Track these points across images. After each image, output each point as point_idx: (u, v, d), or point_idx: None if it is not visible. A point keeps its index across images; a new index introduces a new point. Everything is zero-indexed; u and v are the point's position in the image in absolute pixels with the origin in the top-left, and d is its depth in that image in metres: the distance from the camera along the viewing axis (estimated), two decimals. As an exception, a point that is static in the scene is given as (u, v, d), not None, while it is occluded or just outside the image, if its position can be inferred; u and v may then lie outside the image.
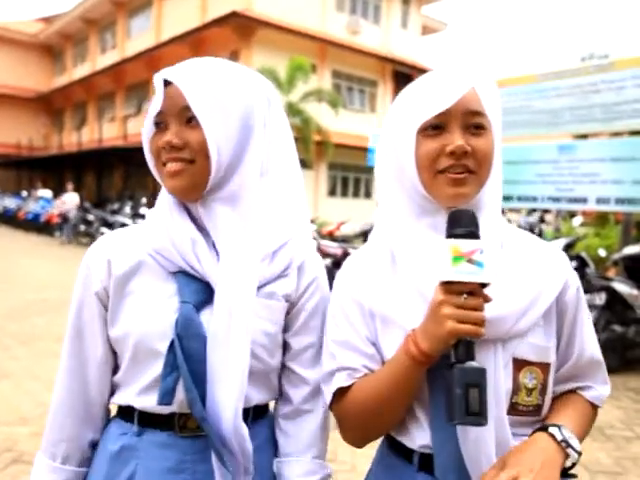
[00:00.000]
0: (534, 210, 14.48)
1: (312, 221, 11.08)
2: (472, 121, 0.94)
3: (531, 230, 7.30)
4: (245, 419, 0.99)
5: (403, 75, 24.31)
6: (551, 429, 0.91)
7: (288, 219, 1.08)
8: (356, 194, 23.26)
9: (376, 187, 1.06)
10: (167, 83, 0.98)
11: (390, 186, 1.02)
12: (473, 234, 0.85)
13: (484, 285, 0.85)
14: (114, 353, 1.07)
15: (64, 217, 16.08)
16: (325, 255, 8.24)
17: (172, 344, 0.96)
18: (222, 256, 0.99)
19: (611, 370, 5.25)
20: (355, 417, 1.00)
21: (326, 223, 13.18)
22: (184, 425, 1.01)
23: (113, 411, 1.13)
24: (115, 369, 1.08)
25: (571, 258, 6.39)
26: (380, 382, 0.95)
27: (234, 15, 18.40)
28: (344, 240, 9.24)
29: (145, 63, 22.36)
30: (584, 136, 6.90)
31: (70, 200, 16.74)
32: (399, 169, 1.00)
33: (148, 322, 0.99)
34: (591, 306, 5.08)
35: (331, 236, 9.91)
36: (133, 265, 1.02)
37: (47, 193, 19.93)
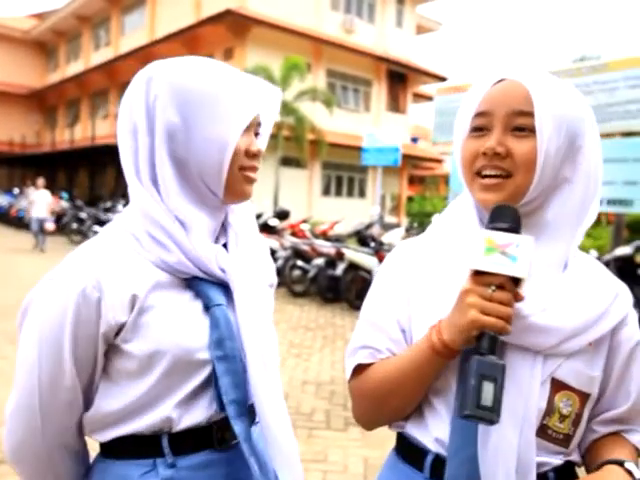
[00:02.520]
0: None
1: (305, 220, 11.07)
2: (516, 122, 0.89)
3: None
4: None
5: (398, 74, 24.34)
6: (627, 464, 0.86)
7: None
8: (350, 194, 23.25)
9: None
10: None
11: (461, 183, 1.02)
12: (513, 229, 0.83)
13: (517, 282, 0.82)
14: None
15: (40, 222, 13.06)
16: (319, 255, 8.24)
17: (216, 348, 0.95)
18: (235, 256, 1.03)
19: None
20: (368, 395, 0.99)
21: (320, 222, 13.17)
22: (222, 437, 0.98)
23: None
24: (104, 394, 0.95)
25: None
26: (398, 366, 0.94)
27: (228, 13, 18.34)
28: (338, 240, 9.22)
29: (139, 60, 22.24)
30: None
31: (40, 199, 13.54)
32: (458, 169, 1.01)
33: (184, 333, 0.94)
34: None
35: (324, 236, 9.88)
36: (155, 282, 0.94)
37: (46, 191, 19.81)
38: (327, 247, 8.25)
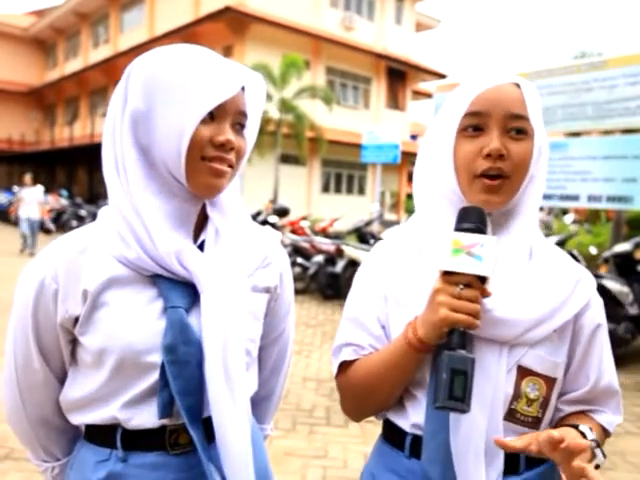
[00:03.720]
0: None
1: (305, 218, 11.07)
2: (513, 125, 0.93)
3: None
4: None
5: (397, 72, 24.31)
6: (582, 427, 0.91)
7: (246, 210, 1.09)
8: (349, 191, 23.24)
9: (413, 185, 1.08)
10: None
11: (428, 184, 1.03)
12: (479, 230, 0.87)
13: (483, 280, 0.87)
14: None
15: (30, 222, 12.00)
16: (318, 252, 8.24)
17: (167, 352, 0.89)
18: (208, 253, 0.96)
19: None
20: (354, 390, 1.05)
21: (319, 220, 13.17)
22: (175, 441, 0.95)
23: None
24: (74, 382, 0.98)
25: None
26: (379, 362, 0.99)
27: (228, 10, 18.30)
28: (337, 237, 9.22)
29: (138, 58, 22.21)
30: (576, 134, 6.93)
31: (30, 197, 12.25)
32: (438, 169, 1.00)
33: (131, 334, 0.91)
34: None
35: (324, 233, 9.89)
36: (105, 278, 0.92)
37: (38, 188, 19.80)
38: (327, 244, 8.25)
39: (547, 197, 6.29)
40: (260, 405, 1.20)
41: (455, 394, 0.82)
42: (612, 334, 5.08)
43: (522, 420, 0.96)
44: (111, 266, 0.92)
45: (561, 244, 6.50)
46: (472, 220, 0.88)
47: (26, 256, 11.64)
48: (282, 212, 10.54)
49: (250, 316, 1.02)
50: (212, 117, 0.91)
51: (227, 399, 0.91)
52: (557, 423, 1.02)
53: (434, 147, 1.01)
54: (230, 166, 0.95)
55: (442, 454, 0.93)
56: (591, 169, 5.85)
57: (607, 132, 6.45)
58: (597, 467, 0.87)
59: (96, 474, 0.95)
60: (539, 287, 0.96)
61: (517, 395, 0.95)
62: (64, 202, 17.75)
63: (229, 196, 1.02)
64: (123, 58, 23.60)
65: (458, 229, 0.89)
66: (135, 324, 0.91)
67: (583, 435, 0.89)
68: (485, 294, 0.88)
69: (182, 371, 0.90)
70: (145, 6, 24.77)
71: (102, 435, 0.96)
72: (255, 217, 9.86)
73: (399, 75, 24.56)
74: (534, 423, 0.97)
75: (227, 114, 0.93)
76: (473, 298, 0.86)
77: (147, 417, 0.93)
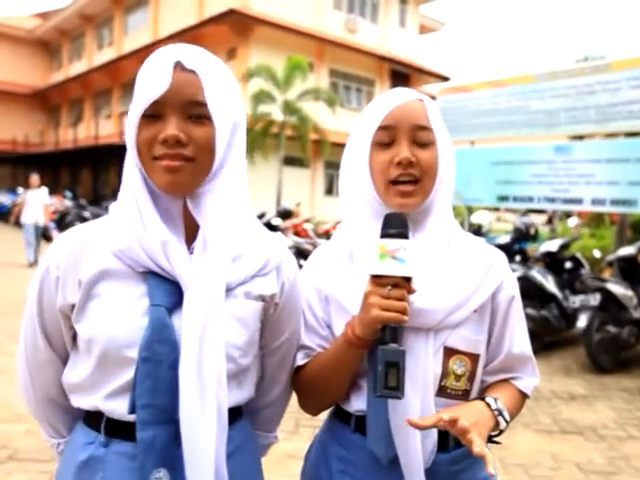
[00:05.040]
0: (530, 210, 14.53)
1: (308, 220, 11.08)
2: (419, 135, 1.07)
3: (526, 230, 7.32)
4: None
5: (400, 74, 24.33)
6: (487, 399, 1.04)
7: (253, 217, 1.07)
8: (352, 193, 23.17)
9: (339, 193, 1.17)
10: (176, 67, 0.92)
11: (352, 192, 1.14)
12: (402, 234, 0.98)
13: (409, 279, 0.97)
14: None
15: (36, 227, 10.76)
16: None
17: (142, 349, 0.91)
18: (196, 254, 0.95)
19: (605, 371, 5.26)
20: (308, 388, 1.16)
21: (323, 222, 13.18)
22: None
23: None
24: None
25: (566, 259, 6.42)
26: (327, 360, 1.10)
27: (232, 13, 18.36)
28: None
29: (142, 60, 21.26)
30: (580, 137, 6.93)
31: (34, 200, 10.86)
32: (357, 177, 1.12)
33: (115, 327, 0.93)
34: (586, 307, 5.11)
35: (327, 235, 9.90)
36: (99, 269, 0.95)
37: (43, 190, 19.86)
38: (330, 247, 8.23)
39: (550, 200, 6.29)
40: (261, 413, 1.19)
41: (390, 384, 0.92)
42: (616, 338, 5.08)
43: (452, 394, 1.08)
44: (106, 259, 0.96)
45: (564, 247, 6.49)
46: (395, 226, 0.98)
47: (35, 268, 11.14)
48: (285, 214, 10.56)
49: (236, 322, 0.99)
50: (156, 116, 0.92)
51: (196, 401, 0.90)
52: (482, 392, 1.14)
53: (353, 159, 1.13)
54: (188, 160, 0.92)
55: (384, 433, 1.04)
56: (595, 172, 5.84)
57: (611, 135, 6.45)
58: (500, 432, 1.03)
59: (81, 454, 1.00)
60: (456, 274, 1.08)
61: (445, 373, 1.07)
62: (68, 203, 17.80)
63: (217, 198, 0.97)
64: (127, 60, 23.68)
65: (384, 235, 0.98)
66: (120, 318, 0.94)
67: (488, 405, 1.02)
68: (411, 291, 0.98)
69: (154, 369, 0.91)
70: (149, 9, 24.87)
71: (93, 419, 1.00)
72: (259, 219, 9.86)
73: (402, 77, 24.57)
74: (464, 395, 1.09)
75: (171, 109, 0.92)
76: (400, 297, 0.96)
77: (125, 410, 0.94)
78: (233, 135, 1.00)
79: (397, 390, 0.92)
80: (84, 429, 1.02)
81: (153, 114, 0.92)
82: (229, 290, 0.98)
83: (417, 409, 1.02)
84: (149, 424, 0.91)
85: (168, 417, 0.92)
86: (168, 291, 0.94)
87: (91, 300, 0.96)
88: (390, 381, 0.92)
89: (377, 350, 0.95)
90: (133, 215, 0.95)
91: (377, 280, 0.97)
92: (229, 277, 0.97)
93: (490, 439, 1.03)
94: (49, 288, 0.99)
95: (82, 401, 1.00)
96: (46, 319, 1.01)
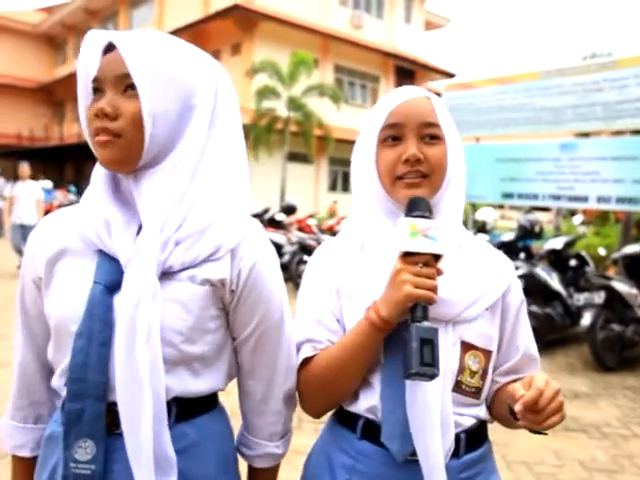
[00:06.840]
0: (534, 208, 14.49)
1: (312, 216, 11.07)
2: (426, 132, 1.06)
3: (531, 227, 7.30)
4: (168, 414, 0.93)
5: (405, 70, 24.26)
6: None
7: (220, 203, 1.00)
8: (356, 189, 23.15)
9: (352, 189, 1.18)
10: (108, 49, 0.96)
11: (361, 188, 1.14)
12: (429, 216, 0.99)
13: (437, 258, 0.97)
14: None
15: (23, 229, 8.70)
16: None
17: (81, 325, 0.92)
18: (140, 236, 0.93)
19: (609, 369, 5.24)
20: (316, 384, 1.10)
21: (326, 218, 13.17)
22: (112, 421, 0.92)
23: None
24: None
25: (571, 256, 6.40)
26: (341, 349, 1.05)
27: (236, 8, 18.34)
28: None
29: None
30: (586, 134, 6.90)
31: (25, 195, 8.98)
32: (365, 175, 1.12)
33: (64, 303, 0.96)
34: (590, 305, 5.10)
35: (331, 231, 9.90)
36: (60, 247, 1.00)
37: (47, 184, 19.91)
38: (334, 243, 8.22)
39: (556, 198, 6.26)
40: (254, 421, 1.14)
41: (426, 360, 0.91)
42: (620, 336, 5.07)
43: (466, 391, 1.07)
44: (67, 238, 1.00)
45: (569, 245, 6.47)
46: (421, 208, 0.99)
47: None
48: (289, 210, 10.56)
49: (178, 306, 0.95)
50: (98, 91, 0.96)
51: (129, 381, 0.88)
52: (493, 394, 1.14)
53: (361, 156, 1.13)
54: (116, 135, 0.93)
55: (400, 430, 1.01)
56: (601, 170, 5.81)
57: (617, 133, 6.41)
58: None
59: (47, 430, 1.03)
60: (470, 271, 1.09)
61: (462, 368, 1.06)
62: (72, 198, 17.85)
63: (159, 180, 0.96)
64: (132, 55, 23.66)
65: (410, 216, 0.99)
66: (69, 294, 0.96)
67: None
68: (440, 272, 0.98)
69: (86, 345, 0.91)
70: (154, 4, 24.85)
71: (58, 396, 1.03)
72: (262, 214, 9.87)
73: (408, 74, 24.50)
74: (476, 393, 1.08)
75: (105, 85, 0.95)
76: (431, 275, 0.96)
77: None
78: (184, 118, 0.97)
79: (433, 366, 0.91)
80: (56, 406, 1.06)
81: (95, 89, 0.97)
82: (172, 273, 0.95)
83: (437, 404, 1.00)
84: (78, 397, 0.91)
85: (99, 393, 0.91)
86: (111, 269, 0.95)
87: (52, 277, 1.00)
88: (426, 357, 0.91)
89: (410, 327, 0.93)
90: (91, 194, 1.01)
91: (408, 258, 0.96)
92: (171, 260, 0.94)
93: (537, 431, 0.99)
94: (28, 262, 1.05)
95: (53, 380, 1.02)
96: (27, 288, 1.06)
